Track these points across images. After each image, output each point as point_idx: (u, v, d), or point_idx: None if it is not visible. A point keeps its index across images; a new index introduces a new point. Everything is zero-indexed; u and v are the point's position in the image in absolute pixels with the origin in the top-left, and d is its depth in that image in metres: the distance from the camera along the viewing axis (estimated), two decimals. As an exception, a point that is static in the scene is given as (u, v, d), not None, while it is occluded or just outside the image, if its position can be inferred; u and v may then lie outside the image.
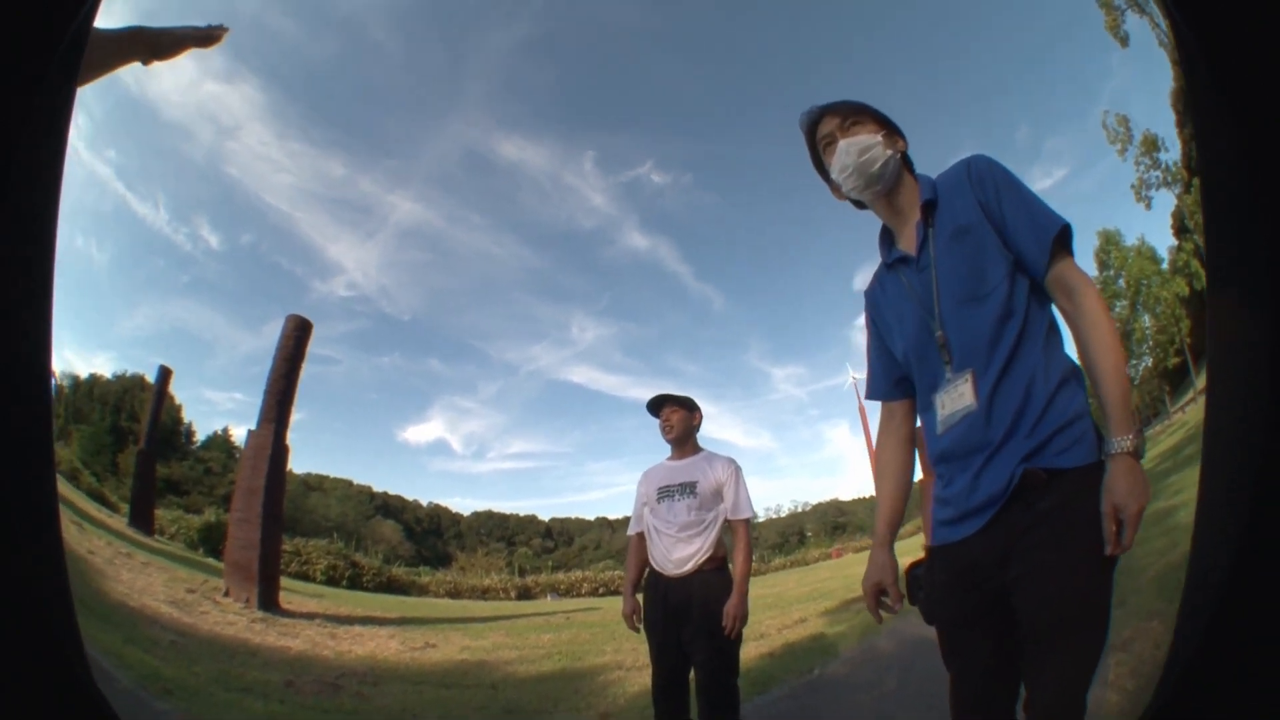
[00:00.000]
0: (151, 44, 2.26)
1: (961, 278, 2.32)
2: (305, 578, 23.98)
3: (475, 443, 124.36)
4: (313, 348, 17.50)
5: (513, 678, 9.68)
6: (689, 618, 4.44)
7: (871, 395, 2.80)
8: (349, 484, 70.53)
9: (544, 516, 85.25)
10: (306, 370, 16.10)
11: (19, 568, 1.42)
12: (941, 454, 2.38)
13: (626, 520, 5.08)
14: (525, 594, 33.78)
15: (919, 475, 2.98)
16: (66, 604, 1.63)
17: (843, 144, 2.54)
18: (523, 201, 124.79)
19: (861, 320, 2.82)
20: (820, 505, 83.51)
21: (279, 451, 14.40)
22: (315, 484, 64.98)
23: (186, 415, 50.83)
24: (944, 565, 2.35)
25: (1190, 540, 1.85)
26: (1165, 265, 34.91)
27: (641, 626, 4.72)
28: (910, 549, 2.56)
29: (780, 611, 14.66)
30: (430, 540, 72.78)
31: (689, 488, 4.71)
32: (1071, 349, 2.25)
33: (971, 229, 2.33)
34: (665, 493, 4.78)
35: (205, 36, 2.33)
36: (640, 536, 4.93)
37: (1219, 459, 1.82)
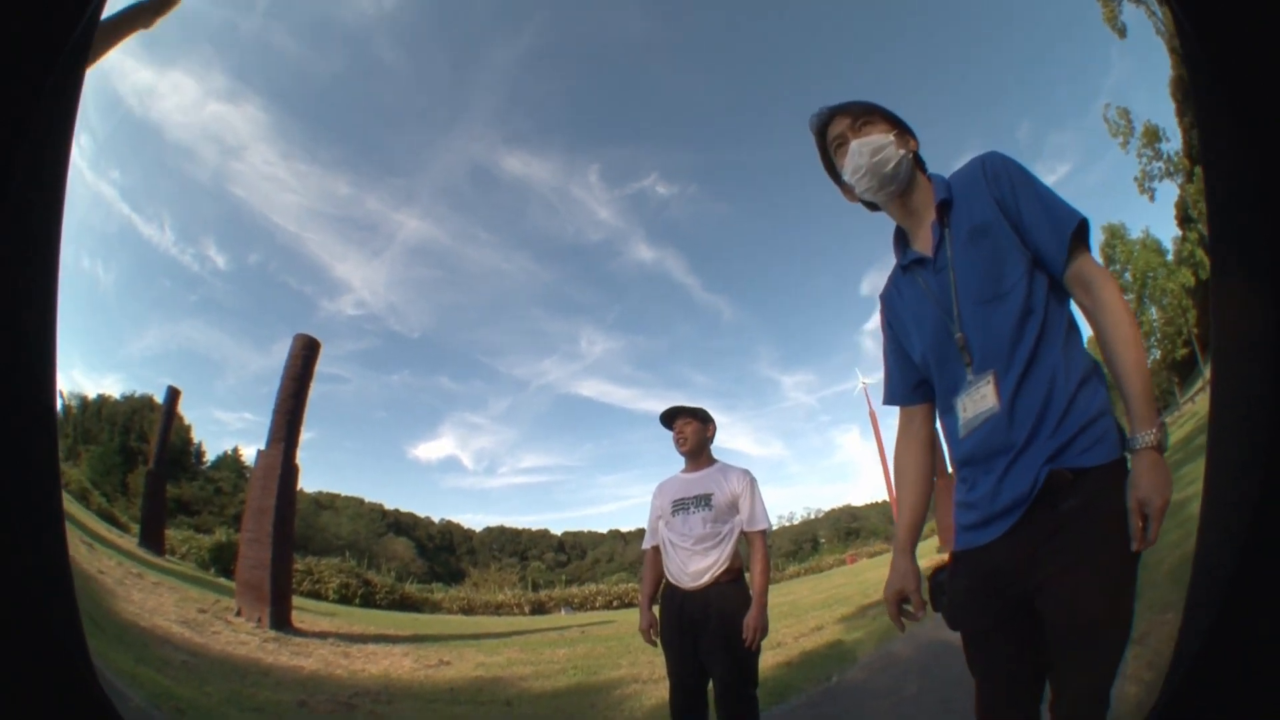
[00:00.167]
0: (150, 11, 2.27)
1: (980, 277, 2.29)
2: (318, 596, 24.07)
3: (486, 458, 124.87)
4: (322, 366, 17.55)
5: (528, 694, 9.65)
6: (706, 630, 4.41)
7: (890, 400, 2.76)
8: (360, 502, 70.93)
9: (556, 530, 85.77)
10: (316, 389, 16.15)
11: (25, 583, 1.40)
12: (964, 457, 2.34)
13: (639, 532, 5.06)
14: (539, 609, 33.89)
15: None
16: (74, 620, 1.61)
17: (854, 145, 2.51)
18: (529, 216, 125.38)
19: (870, 325, 2.80)
20: (833, 511, 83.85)
21: (289, 471, 14.40)
22: (327, 502, 65.32)
23: (196, 435, 51.04)
24: (968, 570, 2.32)
25: (1196, 534, 1.86)
26: (1170, 256, 34.97)
27: (659, 640, 4.68)
28: (924, 551, 2.52)
29: (796, 619, 14.65)
30: (443, 557, 73.05)
31: (704, 500, 4.68)
32: (1090, 345, 2.22)
33: (989, 227, 2.30)
34: (680, 505, 4.75)
35: None
36: (656, 550, 4.90)
37: (1224, 450, 1.82)
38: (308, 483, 68.71)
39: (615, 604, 34.89)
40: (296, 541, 16.65)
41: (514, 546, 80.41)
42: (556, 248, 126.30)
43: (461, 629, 20.76)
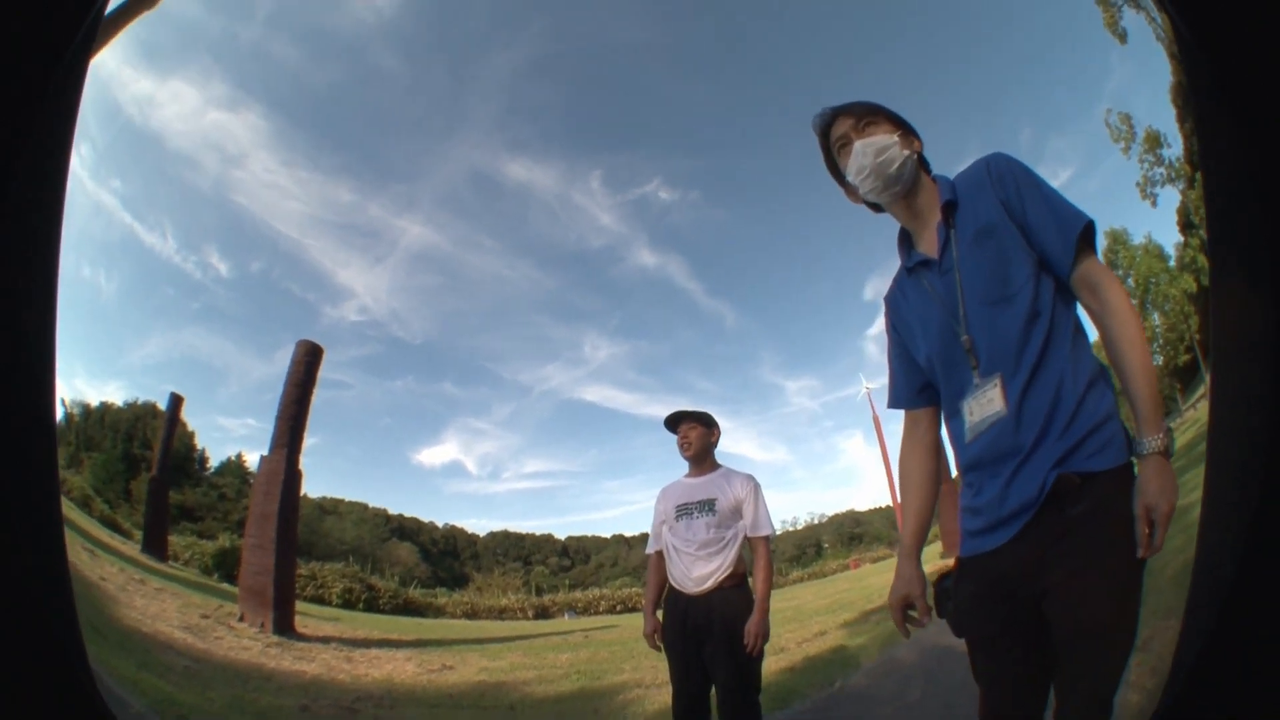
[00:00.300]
0: None
1: (986, 279, 2.27)
2: (321, 601, 24.08)
3: (490, 464, 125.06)
4: (325, 373, 17.63)
5: (531, 698, 9.65)
6: (710, 635, 4.41)
7: (894, 404, 2.75)
8: (364, 507, 71.06)
9: (560, 535, 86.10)
10: (320, 395, 16.17)
11: (23, 589, 1.40)
12: (970, 462, 2.33)
13: (643, 537, 5.07)
14: (543, 613, 33.83)
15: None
16: (73, 626, 1.60)
17: (858, 145, 2.50)
18: (531, 222, 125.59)
19: (873, 330, 2.79)
20: (836, 516, 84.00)
21: (292, 476, 14.42)
22: (330, 508, 65.43)
23: (200, 442, 51.16)
24: (974, 576, 2.30)
25: (1196, 539, 1.87)
26: (1172, 262, 34.97)
27: (662, 645, 4.68)
28: (927, 556, 2.50)
29: (800, 624, 14.60)
30: (447, 561, 73.13)
31: (708, 505, 4.68)
32: (1096, 349, 2.21)
33: (994, 229, 2.28)
34: (684, 510, 4.75)
35: None
36: (659, 554, 4.90)
37: (1224, 453, 1.83)
38: (311, 488, 68.92)
39: (619, 609, 34.91)
40: (300, 547, 16.67)
41: (518, 551, 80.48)
42: (559, 254, 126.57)
43: (465, 634, 20.70)
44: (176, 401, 26.43)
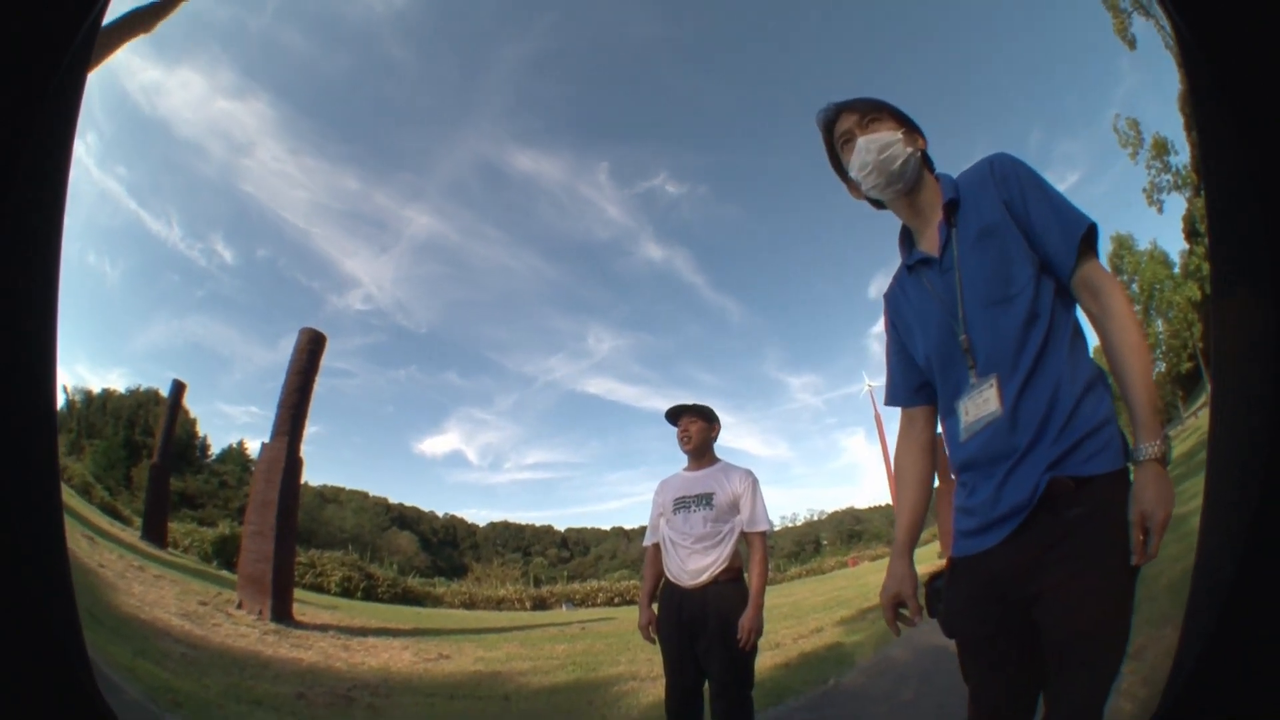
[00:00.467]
0: (148, 17, 2.25)
1: (986, 279, 2.26)
2: (320, 589, 24.23)
3: (492, 454, 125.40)
4: (329, 361, 17.62)
5: (526, 689, 9.68)
6: (704, 629, 4.42)
7: (891, 401, 2.74)
8: (365, 496, 71.29)
9: (560, 527, 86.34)
10: (323, 383, 16.25)
11: (23, 579, 1.40)
12: (964, 462, 2.32)
13: (643, 530, 5.06)
14: (540, 604, 34.04)
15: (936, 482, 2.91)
16: (72, 616, 1.60)
17: (862, 141, 2.48)
18: (538, 214, 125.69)
19: (877, 328, 2.78)
20: (836, 514, 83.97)
21: (292, 464, 14.48)
22: (331, 496, 65.54)
23: (202, 429, 51.27)
24: (966, 577, 2.29)
25: (1196, 546, 1.85)
26: (1177, 269, 34.94)
27: (657, 637, 4.70)
28: (924, 556, 2.49)
29: (796, 621, 14.61)
30: (446, 551, 73.30)
31: (705, 499, 4.68)
32: (1096, 353, 2.20)
33: (996, 229, 2.27)
34: (681, 504, 4.76)
35: None
36: (656, 547, 4.91)
37: (1224, 457, 1.82)
38: (313, 476, 69.06)
39: (616, 601, 35.08)
40: (300, 535, 16.71)
41: (517, 542, 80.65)
42: (565, 245, 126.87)
43: (462, 624, 20.83)
44: (179, 388, 26.49)
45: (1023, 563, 2.07)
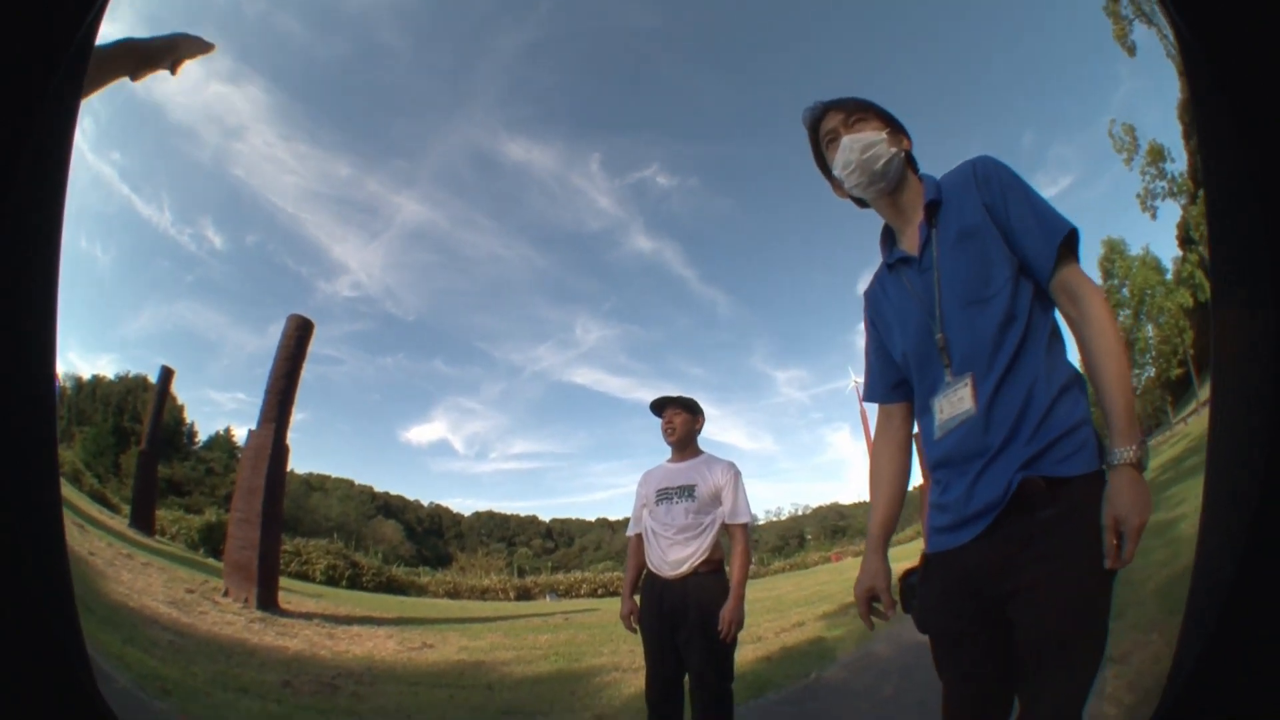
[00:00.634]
0: (140, 56, 2.16)
1: (964, 280, 2.28)
2: (305, 578, 24.18)
3: (477, 443, 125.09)
4: (316, 348, 17.56)
5: (509, 679, 9.70)
6: (684, 620, 4.44)
7: (869, 397, 2.76)
8: (350, 484, 71.05)
9: (545, 517, 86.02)
10: (310, 370, 16.26)
11: (22, 573, 1.41)
12: (939, 459, 2.34)
13: (627, 521, 5.08)
14: (524, 595, 34.01)
15: (919, 480, 2.94)
16: (70, 609, 1.62)
17: (846, 140, 2.50)
18: (529, 203, 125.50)
19: (864, 324, 2.78)
20: (820, 509, 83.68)
21: (279, 451, 14.45)
22: (317, 484, 65.27)
23: (189, 416, 51.05)
24: (940, 573, 2.31)
25: (1195, 550, 1.81)
26: (1169, 276, 34.93)
27: (639, 627, 4.72)
28: (911, 554, 2.51)
29: (778, 615, 14.72)
30: (431, 540, 73.07)
31: (687, 491, 4.71)
32: (1074, 355, 2.22)
33: (976, 231, 2.29)
34: (664, 495, 4.78)
35: (194, 47, 2.23)
36: (639, 538, 4.93)
37: (1224, 463, 1.79)
38: (299, 464, 68.97)
39: (600, 592, 35.04)
40: (285, 522, 16.67)
41: (502, 532, 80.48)
42: (555, 235, 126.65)
43: (446, 613, 20.93)
44: (167, 375, 26.52)
45: (996, 560, 2.08)
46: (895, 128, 2.57)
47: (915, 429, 2.63)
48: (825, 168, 2.69)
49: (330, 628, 12.50)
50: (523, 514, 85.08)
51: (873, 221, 2.68)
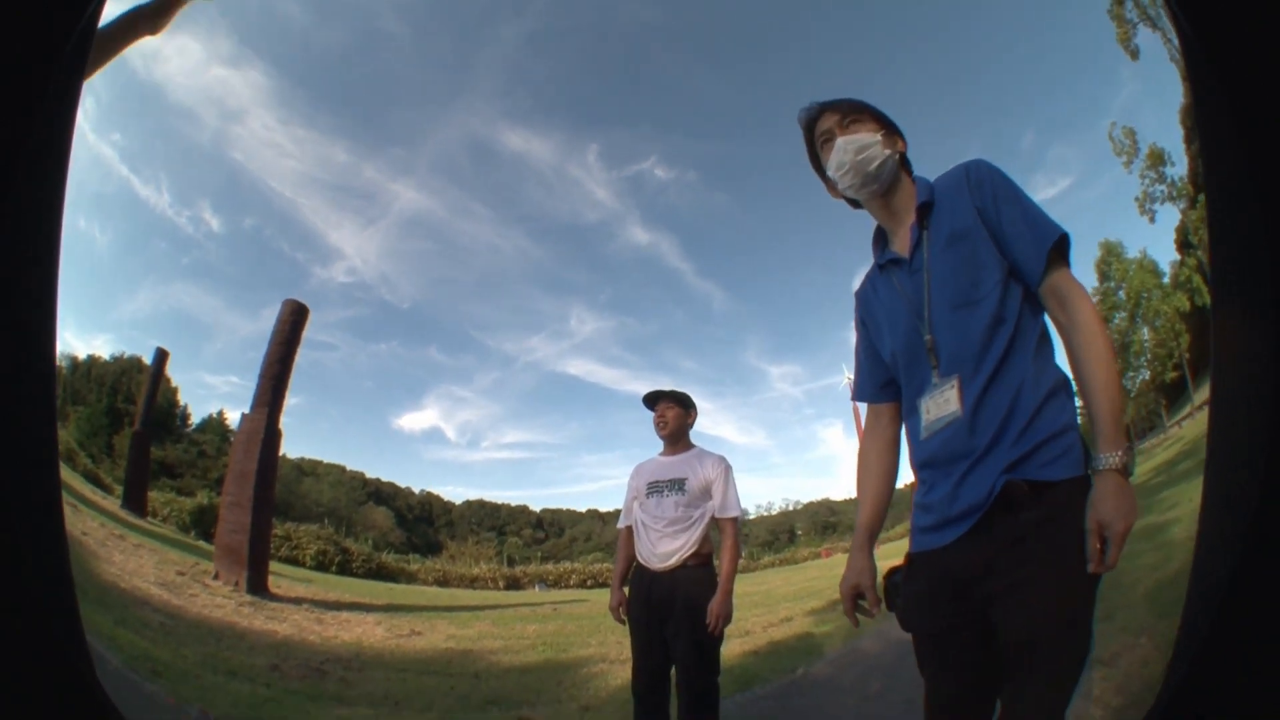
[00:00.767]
0: (152, 16, 2.17)
1: (954, 282, 2.28)
2: (295, 562, 24.23)
3: (470, 432, 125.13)
4: (311, 333, 17.60)
5: (496, 667, 9.73)
6: (672, 612, 4.47)
7: (859, 397, 2.77)
8: (342, 470, 71.00)
9: (535, 507, 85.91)
10: (304, 355, 16.18)
11: (21, 563, 1.40)
12: (924, 460, 2.35)
13: (618, 513, 5.09)
14: (514, 584, 34.11)
15: (911, 478, 2.95)
16: (69, 600, 1.62)
17: (840, 141, 2.51)
18: (526, 193, 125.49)
19: (854, 324, 2.79)
20: (811, 504, 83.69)
21: (271, 436, 14.46)
22: (309, 469, 65.28)
23: (183, 398, 51.03)
24: (923, 572, 2.32)
25: (1192, 552, 1.82)
26: (1166, 279, 34.92)
27: (627, 619, 4.75)
28: (903, 552, 2.52)
29: (767, 609, 14.75)
30: (421, 528, 73.07)
31: (678, 484, 4.73)
32: (1063, 360, 2.22)
33: (967, 234, 2.29)
34: (654, 488, 4.80)
35: None
36: (630, 530, 4.95)
37: (1223, 464, 1.79)
38: (291, 448, 68.88)
39: (589, 583, 35.27)
40: (276, 507, 16.68)
41: (492, 521, 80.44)
42: (551, 226, 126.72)
43: (435, 600, 20.92)
44: (161, 356, 26.43)
45: (979, 561, 2.09)
46: (890, 129, 2.58)
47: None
48: (820, 168, 2.69)
49: (319, 613, 12.52)
50: (513, 503, 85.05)
51: (869, 219, 2.69)
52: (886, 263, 2.54)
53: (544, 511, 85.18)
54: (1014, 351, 2.17)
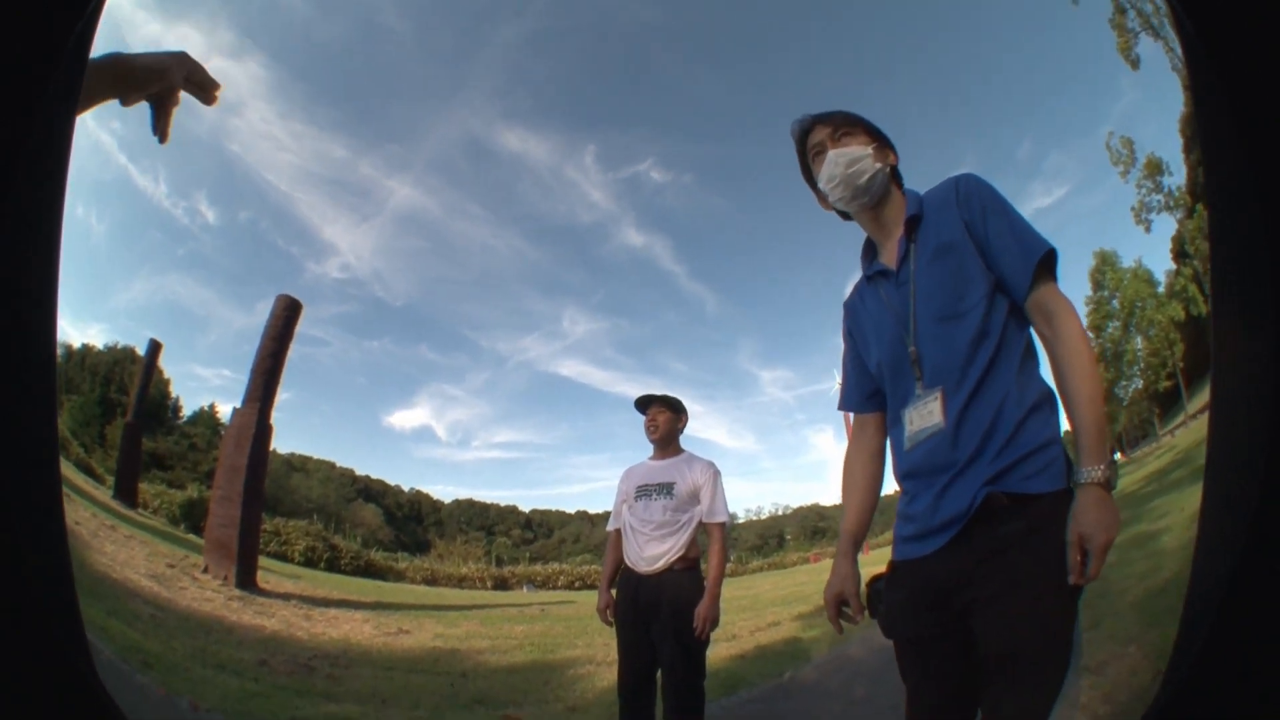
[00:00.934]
0: (126, 76, 1.92)
1: (940, 295, 2.30)
2: (283, 558, 24.24)
3: (460, 431, 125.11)
4: (304, 329, 17.56)
5: (483, 667, 9.76)
6: (658, 615, 4.49)
7: (844, 406, 2.80)
8: (332, 466, 70.83)
9: (525, 508, 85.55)
10: (296, 351, 16.25)
11: (21, 561, 1.39)
12: (907, 470, 2.36)
13: (607, 515, 5.12)
14: (502, 584, 34.17)
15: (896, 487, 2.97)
16: (69, 598, 1.62)
17: (831, 154, 2.52)
18: (521, 193, 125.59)
19: (842, 334, 2.81)
20: (801, 509, 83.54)
21: (262, 431, 14.50)
22: (299, 464, 65.11)
23: (175, 390, 50.93)
24: (905, 581, 2.33)
25: (1191, 555, 1.79)
26: (1161, 289, 34.96)
27: (614, 621, 4.77)
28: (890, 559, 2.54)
29: (754, 613, 14.77)
30: (410, 526, 73.00)
31: (666, 488, 4.75)
32: (1049, 374, 2.22)
33: (954, 247, 2.30)
34: (643, 491, 4.83)
35: (190, 71, 2.02)
36: (618, 533, 4.96)
37: (1222, 465, 1.78)
38: (281, 443, 68.75)
39: (577, 585, 35.09)
40: (266, 502, 16.70)
41: (481, 521, 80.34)
42: (546, 226, 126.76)
43: (423, 599, 21.01)
44: (155, 348, 26.45)
45: (958, 571, 2.10)
46: (882, 143, 2.60)
47: None
48: (811, 180, 2.70)
49: (307, 609, 12.60)
50: (503, 503, 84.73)
51: (862, 230, 2.71)
52: (874, 274, 2.56)
53: (533, 512, 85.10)
54: (998, 365, 2.19)
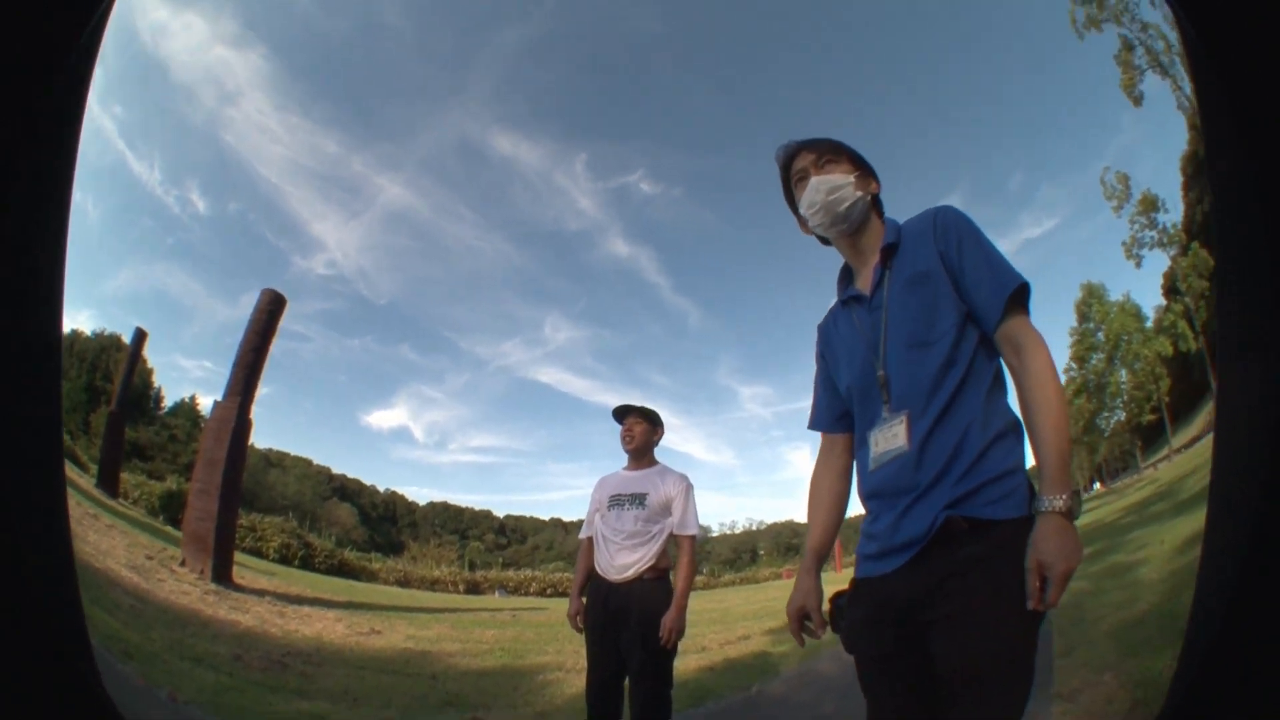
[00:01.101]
0: None
1: (911, 322, 2.34)
2: (258, 554, 24.36)
3: (437, 433, 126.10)
4: (287, 323, 17.61)
5: (454, 670, 9.82)
6: (627, 623, 4.54)
7: (814, 426, 2.85)
8: (309, 463, 71.07)
9: (499, 513, 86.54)
10: (278, 345, 16.33)
11: (25, 565, 1.42)
12: (870, 490, 2.40)
13: (581, 523, 5.17)
14: (474, 588, 34.35)
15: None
16: (74, 603, 1.69)
17: (814, 181, 2.58)
18: (511, 197, 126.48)
19: (815, 356, 2.87)
20: (775, 525, 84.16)
21: (242, 425, 14.57)
22: (276, 460, 65.26)
23: (158, 380, 51.01)
24: (866, 598, 2.36)
25: (1198, 561, 1.87)
26: (1149, 324, 35.09)
27: (584, 628, 4.82)
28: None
29: (725, 627, 14.93)
30: (384, 527, 73.28)
31: (639, 499, 4.81)
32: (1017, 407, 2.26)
33: (928, 276, 2.35)
34: (616, 501, 4.88)
35: None
36: (590, 541, 5.01)
37: (1227, 469, 1.84)
38: (260, 438, 69.06)
39: (549, 592, 35.49)
40: (243, 497, 16.71)
41: (455, 524, 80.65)
42: (534, 232, 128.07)
43: (395, 600, 21.10)
44: (140, 337, 26.44)
45: (917, 590, 2.14)
46: (865, 171, 2.66)
47: None
48: (793, 204, 2.77)
49: (281, 606, 12.68)
50: (477, 508, 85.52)
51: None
52: (848, 299, 2.62)
53: (507, 518, 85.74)
54: (964, 392, 2.23)
